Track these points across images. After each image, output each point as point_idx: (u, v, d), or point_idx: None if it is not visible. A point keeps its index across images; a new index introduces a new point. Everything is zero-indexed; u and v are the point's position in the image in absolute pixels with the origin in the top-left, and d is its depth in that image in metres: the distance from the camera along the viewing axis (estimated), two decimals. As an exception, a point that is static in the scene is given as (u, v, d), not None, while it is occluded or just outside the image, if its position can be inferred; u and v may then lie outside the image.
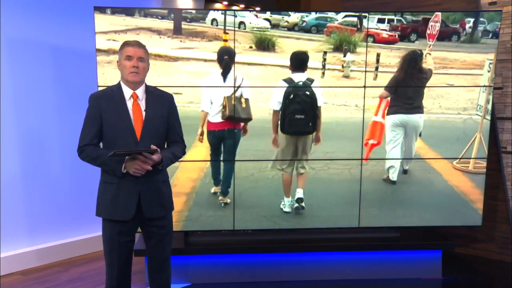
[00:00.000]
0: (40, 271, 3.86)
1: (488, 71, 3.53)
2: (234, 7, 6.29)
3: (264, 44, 3.30)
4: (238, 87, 2.99)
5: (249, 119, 2.59)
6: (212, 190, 3.20)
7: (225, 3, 6.13)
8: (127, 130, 2.39)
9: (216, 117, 2.68)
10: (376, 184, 3.62)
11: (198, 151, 3.32)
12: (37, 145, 3.97)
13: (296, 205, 2.68)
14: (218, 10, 5.37)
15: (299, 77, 2.62)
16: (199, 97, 3.26)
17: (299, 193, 2.72)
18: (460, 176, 3.67)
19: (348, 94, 3.48)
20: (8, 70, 3.75)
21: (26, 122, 3.88)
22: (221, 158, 3.13)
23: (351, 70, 3.42)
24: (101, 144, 2.47)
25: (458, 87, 3.57)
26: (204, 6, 5.32)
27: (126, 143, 2.38)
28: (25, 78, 3.85)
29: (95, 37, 3.32)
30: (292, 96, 2.47)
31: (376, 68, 3.48)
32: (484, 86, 3.57)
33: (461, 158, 3.64)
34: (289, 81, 2.56)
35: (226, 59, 2.73)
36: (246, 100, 2.56)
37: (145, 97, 2.46)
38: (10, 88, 3.77)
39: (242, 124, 2.69)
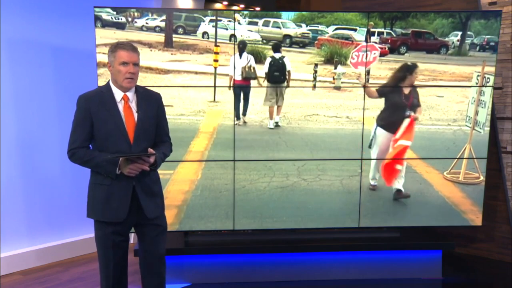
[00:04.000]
0: (40, 271, 3.86)
1: (476, 83, 3.59)
2: (234, 7, 6.29)
3: (255, 57, 3.49)
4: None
5: (255, 77, 3.52)
6: (235, 122, 3.58)
7: (225, 3, 6.12)
8: (119, 133, 2.36)
9: (238, 77, 3.51)
10: (368, 196, 3.66)
11: (189, 167, 3.47)
12: (37, 145, 3.96)
13: (275, 123, 3.61)
14: (214, 10, 5.39)
15: (277, 55, 3.49)
16: (190, 109, 3.43)
17: (276, 118, 3.61)
18: (451, 186, 3.70)
19: (339, 106, 3.58)
20: (8, 70, 3.75)
21: (26, 122, 3.88)
22: (240, 112, 3.58)
23: (342, 82, 3.55)
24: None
25: (448, 97, 3.62)
26: (204, 6, 5.31)
27: (118, 146, 2.36)
28: (25, 78, 3.85)
29: (95, 36, 3.32)
30: (273, 63, 3.50)
31: (367, 80, 3.55)
32: (484, 85, 3.58)
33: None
34: (272, 57, 3.50)
35: (240, 46, 3.52)
36: (254, 68, 3.51)
37: (135, 98, 2.44)
38: (10, 88, 3.77)
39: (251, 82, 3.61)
